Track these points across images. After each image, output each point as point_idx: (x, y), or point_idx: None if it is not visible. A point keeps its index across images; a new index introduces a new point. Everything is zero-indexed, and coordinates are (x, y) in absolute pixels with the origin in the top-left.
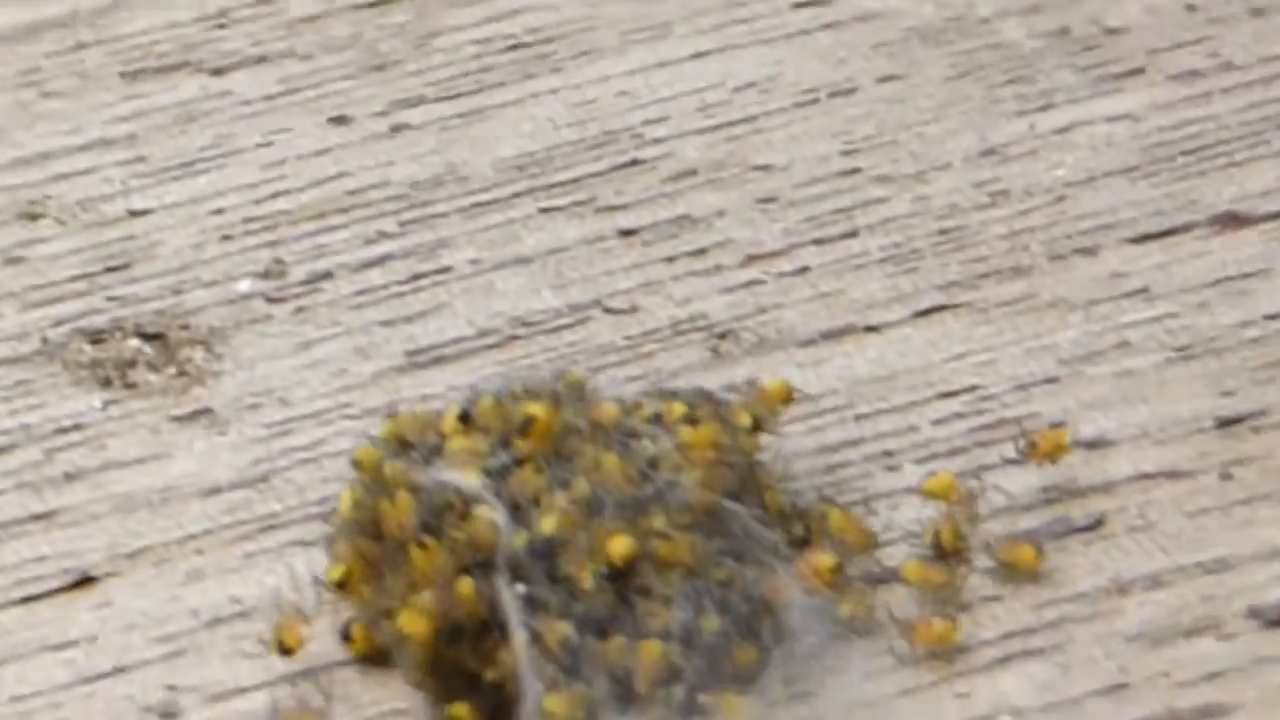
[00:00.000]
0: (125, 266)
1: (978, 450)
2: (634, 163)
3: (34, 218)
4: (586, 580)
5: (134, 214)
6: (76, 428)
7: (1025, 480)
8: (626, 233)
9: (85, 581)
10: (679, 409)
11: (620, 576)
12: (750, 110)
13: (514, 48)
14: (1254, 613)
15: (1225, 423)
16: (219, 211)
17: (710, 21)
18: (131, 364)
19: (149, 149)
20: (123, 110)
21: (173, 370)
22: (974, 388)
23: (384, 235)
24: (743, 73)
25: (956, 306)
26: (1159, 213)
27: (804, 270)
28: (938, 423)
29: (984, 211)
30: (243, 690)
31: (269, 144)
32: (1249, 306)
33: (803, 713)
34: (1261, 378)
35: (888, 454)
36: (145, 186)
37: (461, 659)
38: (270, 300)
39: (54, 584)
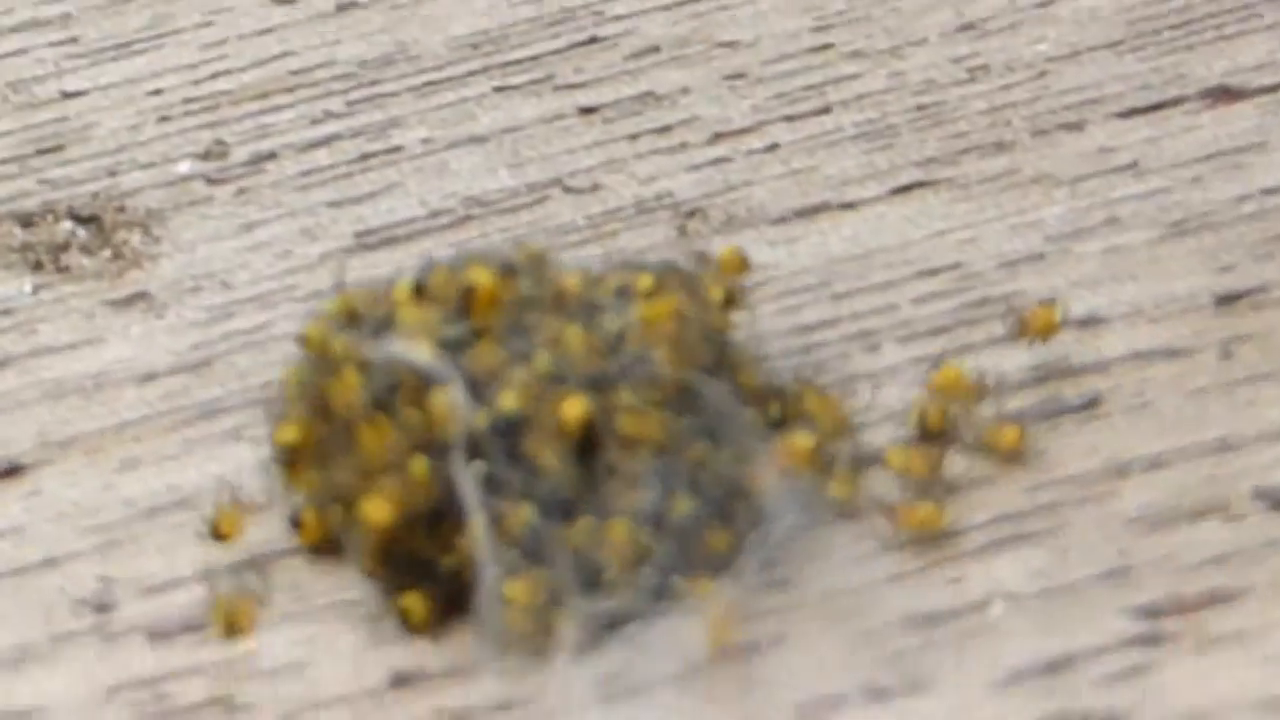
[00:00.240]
0: (58, 149)
1: (962, 330)
2: (593, 40)
3: None
4: (549, 459)
5: (67, 95)
6: (6, 312)
7: (1015, 360)
8: (587, 110)
9: (13, 471)
10: (646, 281)
11: (586, 455)
12: None
13: None
14: (1261, 494)
15: (1224, 300)
16: (157, 92)
17: None
18: (64, 247)
19: (83, 30)
20: None
21: (108, 253)
22: (956, 265)
23: (330, 115)
24: None
25: (936, 183)
26: (1146, 87)
27: (774, 147)
28: (919, 301)
29: (963, 87)
30: (180, 581)
31: (209, 24)
32: (1245, 181)
33: (781, 600)
34: (1260, 253)
35: (866, 334)
36: (79, 68)
37: (416, 546)
38: (211, 182)
39: None
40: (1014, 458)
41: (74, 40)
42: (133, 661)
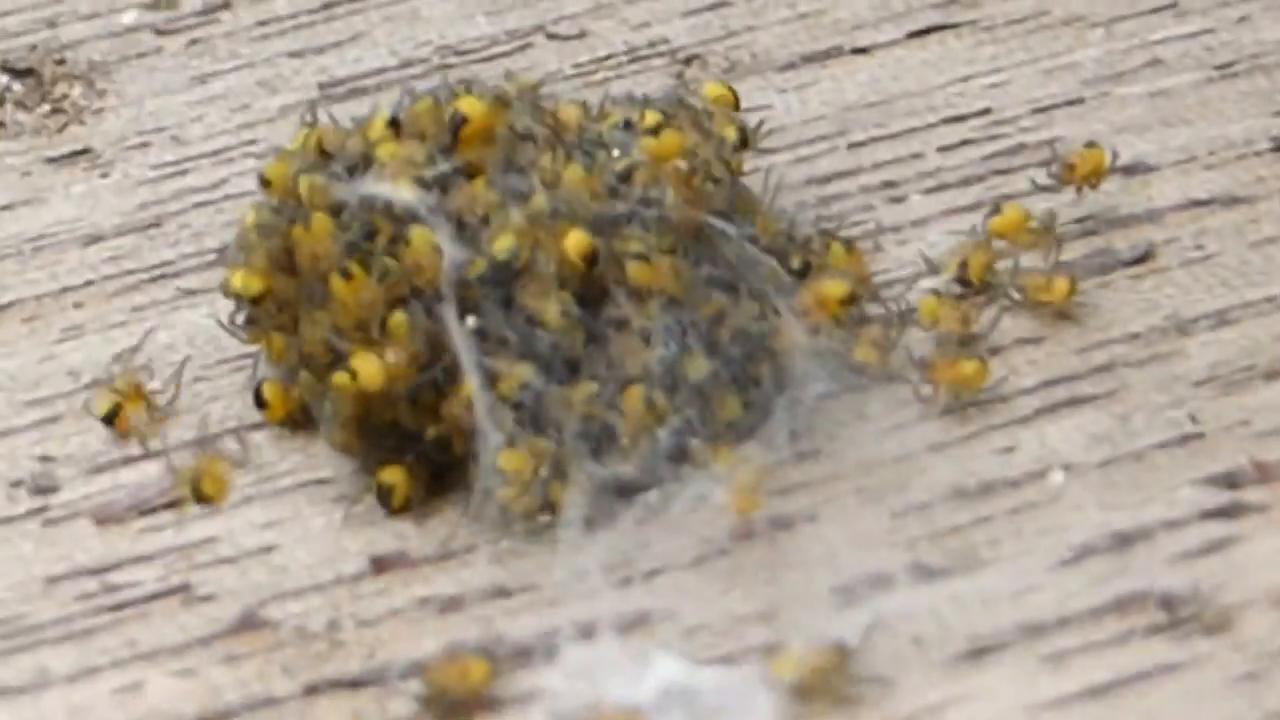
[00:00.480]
0: None
1: (995, 179)
2: None
3: None
4: (550, 312)
5: None
6: None
7: (1058, 209)
8: None
9: None
10: (652, 116)
11: (590, 308)
12: None
13: None
14: None
15: None
16: None
17: None
18: None
19: None
20: None
21: (46, 108)
22: (985, 111)
23: None
24: None
25: (957, 26)
26: None
27: None
28: (945, 150)
29: None
30: (130, 459)
31: None
32: None
33: (812, 471)
34: None
35: (889, 184)
36: None
37: (397, 414)
38: (160, 32)
39: None
40: (1063, 314)
41: None
42: (77, 549)
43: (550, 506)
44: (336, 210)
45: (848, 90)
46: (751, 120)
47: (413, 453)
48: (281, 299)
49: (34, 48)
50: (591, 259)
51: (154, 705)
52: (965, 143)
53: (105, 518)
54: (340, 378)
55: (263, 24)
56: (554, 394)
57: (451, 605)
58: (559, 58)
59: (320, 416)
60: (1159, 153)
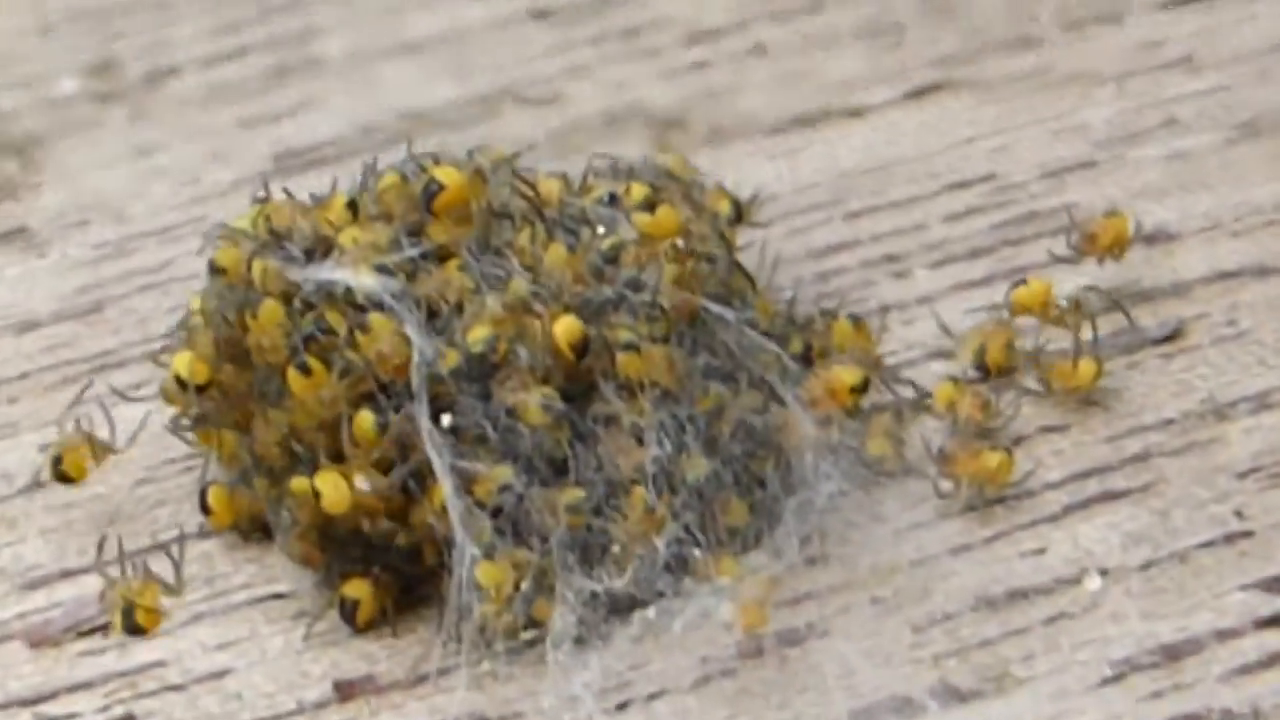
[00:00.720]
0: None
1: (1006, 249)
2: None
3: None
4: (531, 407)
5: None
6: None
7: (1075, 284)
8: (540, 14)
9: None
10: (640, 190)
11: (575, 401)
12: None
13: None
14: None
15: None
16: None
17: None
18: None
19: None
20: None
21: None
22: (990, 177)
23: (240, 24)
24: None
25: (955, 85)
26: None
27: (760, 50)
28: (951, 219)
29: None
30: (69, 574)
31: None
32: None
33: (825, 578)
34: None
35: (892, 258)
36: None
37: (361, 523)
38: (101, 101)
39: None
40: (1089, 399)
41: None
42: (8, 675)
43: (534, 623)
44: (291, 297)
45: (842, 155)
46: (741, 190)
47: (380, 564)
48: (233, 393)
49: None
50: (583, 349)
51: None
52: (971, 211)
53: (39, 639)
54: (299, 484)
55: (212, 91)
56: (537, 498)
57: None
58: (532, 123)
59: (276, 525)
60: (1181, 220)
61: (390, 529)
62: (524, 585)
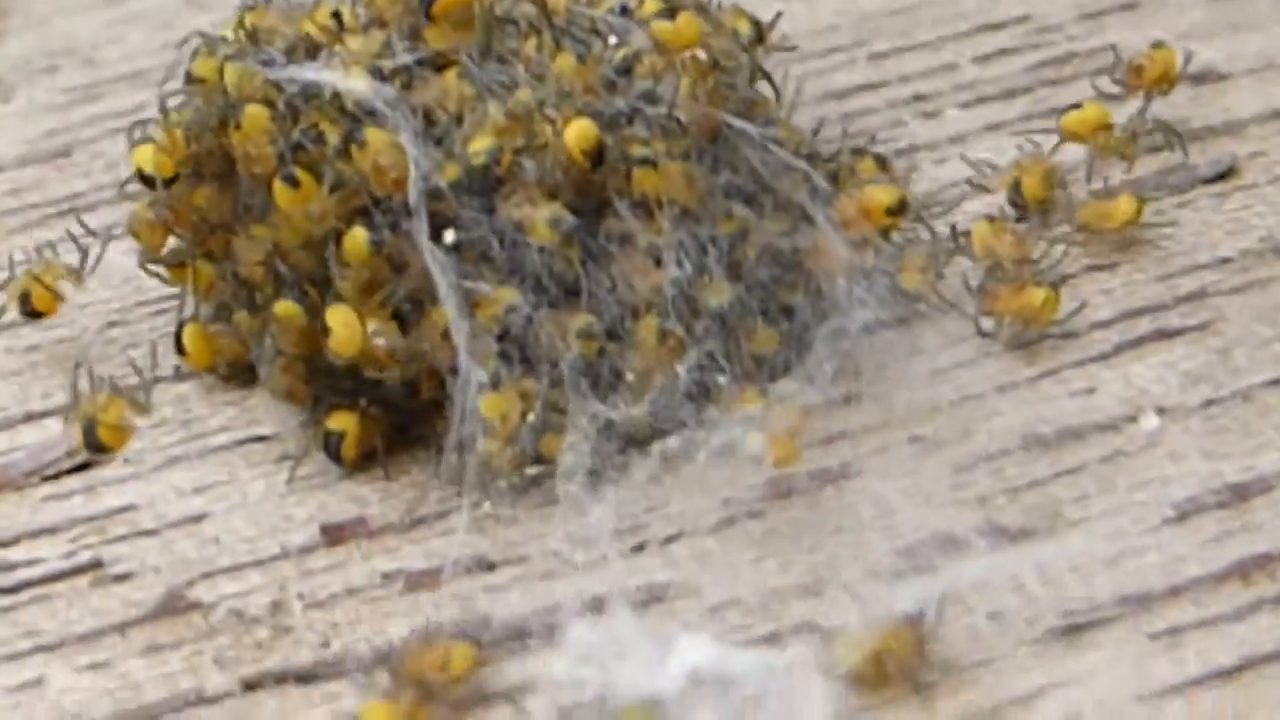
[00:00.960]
0: None
1: (1044, 90)
2: None
3: None
4: (539, 223)
5: None
6: None
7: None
8: None
9: None
10: (653, 4)
11: (586, 218)
12: None
13: None
14: None
15: None
16: None
17: None
18: None
19: None
20: None
21: None
22: (1025, 18)
23: None
24: None
25: None
26: None
27: None
28: (983, 60)
29: None
30: (32, 416)
31: None
32: None
33: (859, 416)
34: None
35: (921, 98)
36: None
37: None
38: None
39: None
40: (1137, 237)
41: None
42: None
43: (541, 459)
44: (275, 102)
45: None
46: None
47: (371, 395)
48: (213, 216)
49: None
50: (598, 156)
51: (58, 705)
52: (1004, 52)
53: (1, 483)
54: (284, 308)
55: None
56: (546, 321)
57: (423, 581)
58: None
59: (259, 359)
60: (1229, 60)
61: (392, 372)
62: (531, 416)
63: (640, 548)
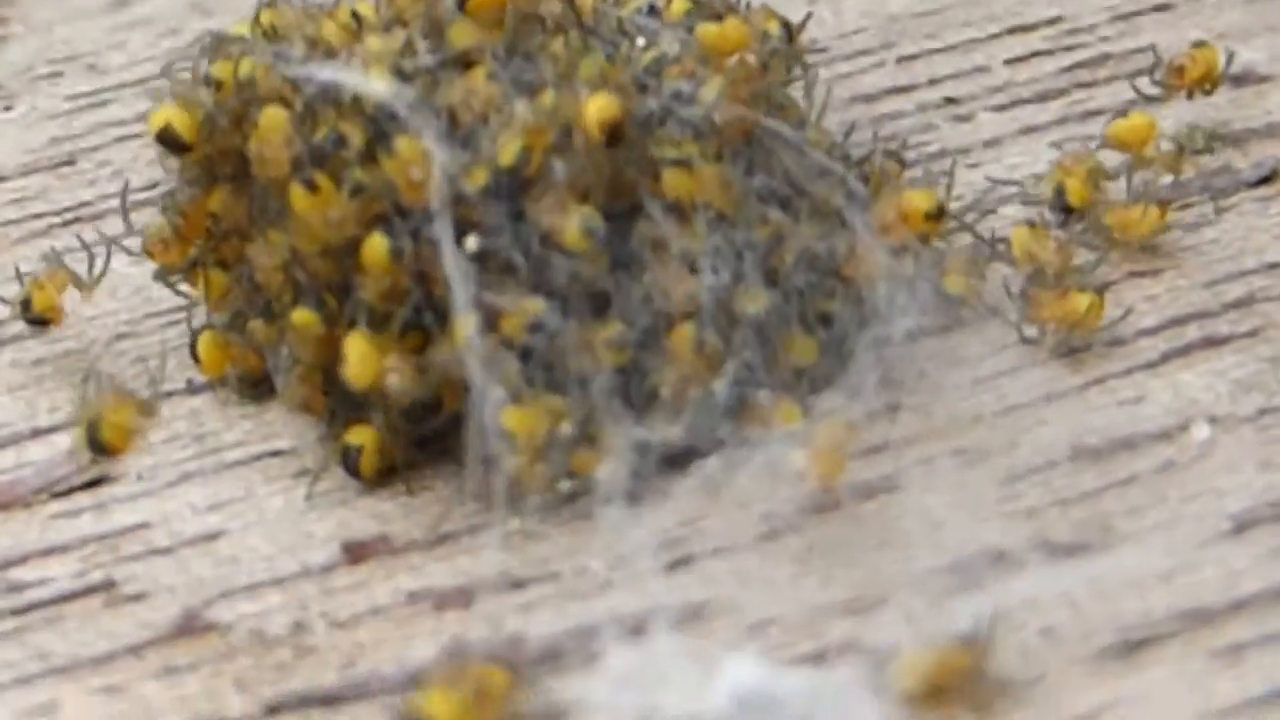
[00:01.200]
0: None
1: (1079, 92)
2: None
3: None
4: (569, 229)
5: None
6: None
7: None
8: None
9: None
10: (681, 4)
11: (618, 223)
12: None
13: None
14: None
15: None
16: None
17: None
18: None
19: None
20: None
21: None
22: (1057, 20)
23: None
24: None
25: None
26: None
27: None
28: (1014, 62)
29: None
30: (38, 433)
31: None
32: None
33: (900, 430)
34: None
35: (952, 101)
36: None
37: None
38: None
39: None
40: (1181, 244)
41: None
42: None
43: (572, 475)
44: (294, 103)
45: None
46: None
47: (392, 409)
48: (228, 220)
49: None
50: (617, 132)
51: None
52: (1036, 54)
53: (8, 500)
54: (301, 316)
55: None
56: (574, 335)
57: (450, 600)
58: None
59: (275, 369)
60: (1270, 61)
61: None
62: (564, 429)
63: (677, 564)
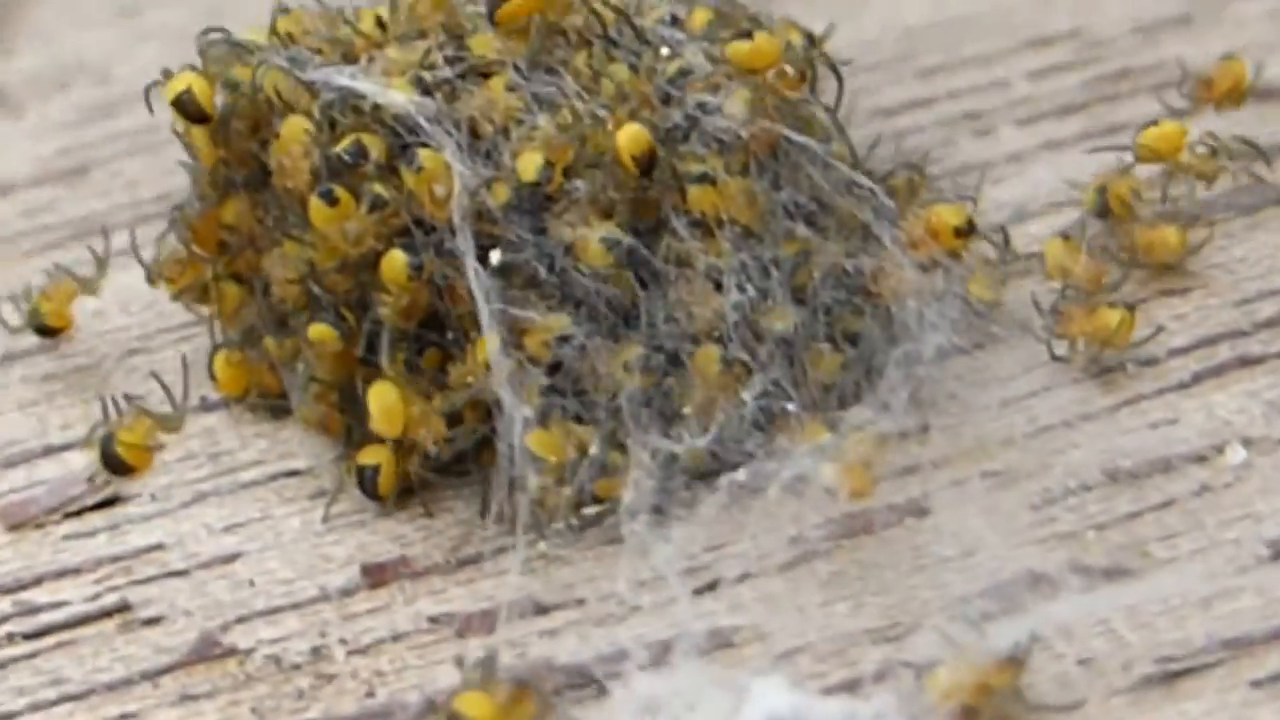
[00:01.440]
0: None
1: (1102, 107)
2: None
3: None
4: (592, 245)
5: None
6: None
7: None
8: None
9: None
10: (703, 14)
11: (643, 239)
12: None
13: None
14: None
15: None
16: None
17: None
18: None
19: None
20: None
21: None
22: (1076, 32)
23: None
24: None
25: None
26: None
27: None
28: (1036, 75)
29: None
30: (51, 450)
31: None
32: None
33: (929, 452)
34: None
35: (972, 116)
36: None
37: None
38: None
39: None
40: (1210, 262)
41: None
42: None
43: (598, 499)
44: (313, 112)
45: (907, 11)
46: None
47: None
48: (241, 231)
49: None
50: (649, 162)
51: None
52: (1056, 68)
53: (20, 521)
54: (318, 331)
55: None
56: (600, 351)
57: (473, 625)
58: None
59: (291, 385)
60: None
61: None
62: (592, 449)
63: (704, 590)
